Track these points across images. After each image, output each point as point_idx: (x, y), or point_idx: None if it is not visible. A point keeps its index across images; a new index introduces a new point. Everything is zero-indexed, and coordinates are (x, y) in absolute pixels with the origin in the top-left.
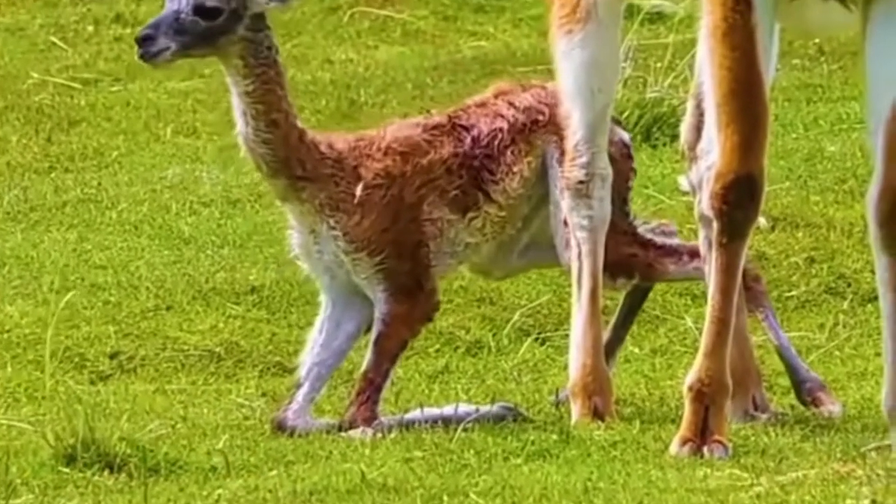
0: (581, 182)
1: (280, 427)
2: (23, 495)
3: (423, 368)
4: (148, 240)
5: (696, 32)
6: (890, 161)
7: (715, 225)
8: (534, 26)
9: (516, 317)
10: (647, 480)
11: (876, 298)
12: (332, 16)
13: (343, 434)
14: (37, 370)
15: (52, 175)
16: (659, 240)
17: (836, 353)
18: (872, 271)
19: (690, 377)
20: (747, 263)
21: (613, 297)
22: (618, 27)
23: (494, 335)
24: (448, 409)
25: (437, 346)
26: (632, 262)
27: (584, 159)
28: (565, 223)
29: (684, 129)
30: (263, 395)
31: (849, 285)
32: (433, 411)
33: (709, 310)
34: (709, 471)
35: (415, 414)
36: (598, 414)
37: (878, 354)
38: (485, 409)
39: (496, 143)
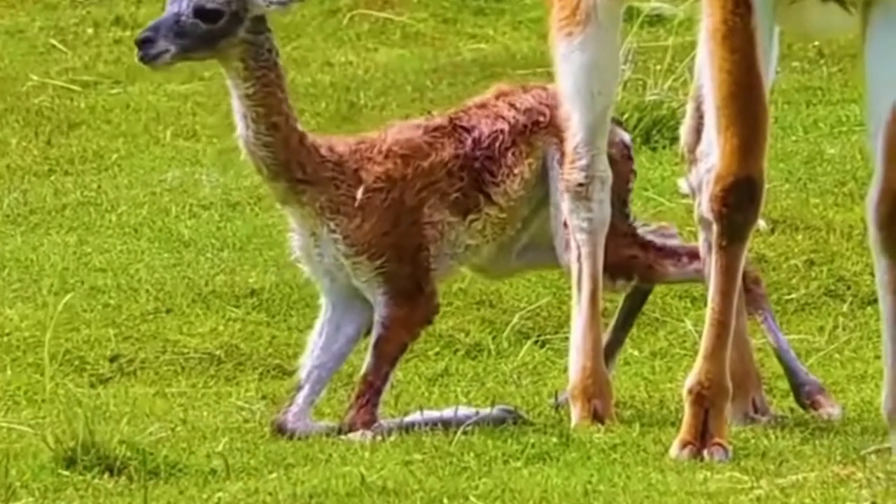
0: (580, 184)
1: (280, 430)
2: (23, 498)
3: (422, 371)
4: (148, 242)
5: (696, 35)
6: (890, 163)
7: (714, 227)
8: (533, 29)
9: (516, 319)
10: (647, 483)
11: (875, 301)
12: (331, 18)
13: (343, 437)
14: (36, 373)
15: (52, 178)
16: (659, 241)
17: (836, 355)
18: (872, 274)
19: (690, 380)
20: (747, 266)
21: (613, 299)
22: (617, 30)
23: (494, 338)
24: (448, 412)
25: (437, 349)
26: (632, 263)
27: (583, 162)
28: (565, 225)
29: (684, 131)
30: (263, 397)
31: (848, 288)
32: (433, 414)
33: (708, 312)
34: (709, 474)
35: (414, 417)
36: (597, 417)
37: (877, 357)
38: (484, 411)
39: (497, 144)
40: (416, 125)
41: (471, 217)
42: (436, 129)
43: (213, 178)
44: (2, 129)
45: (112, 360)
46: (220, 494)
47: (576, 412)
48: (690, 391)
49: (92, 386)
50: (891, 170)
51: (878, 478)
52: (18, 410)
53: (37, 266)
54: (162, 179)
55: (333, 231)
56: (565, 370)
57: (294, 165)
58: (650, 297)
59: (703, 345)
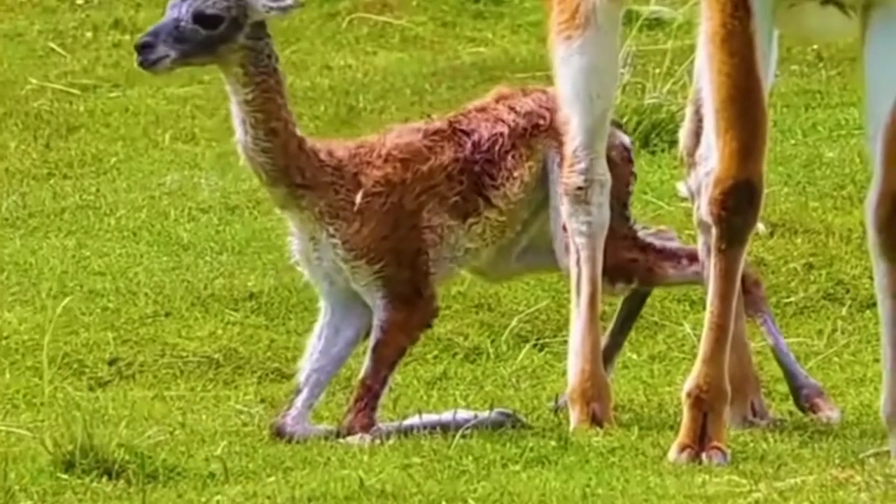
0: (579, 188)
1: (278, 433)
2: (21, 501)
3: (421, 375)
4: (146, 246)
5: (695, 38)
6: (889, 167)
7: (714, 231)
8: (533, 32)
9: (514, 323)
10: (646, 487)
11: (874, 304)
12: (330, 22)
13: (341, 440)
14: (35, 376)
15: (51, 181)
16: (658, 243)
17: (835, 359)
18: (871, 277)
19: (689, 383)
20: (747, 268)
21: (612, 302)
22: (616, 33)
23: (493, 341)
24: (446, 416)
25: (436, 353)
26: (631, 266)
27: (582, 165)
28: (564, 228)
29: (683, 134)
30: (262, 401)
31: (847, 291)
32: (431, 417)
33: (707, 316)
34: (707, 477)
35: (413, 420)
36: (596, 420)
37: (876, 360)
38: (483, 415)
39: (497, 147)
40: (415, 129)
41: (470, 220)
42: (435, 132)
43: (211, 182)
44: (1, 133)
45: (111, 363)
46: (218, 498)
47: (574, 416)
48: (689, 395)
49: (91, 389)
50: (890, 173)
51: (876, 481)
52: (17, 414)
53: (35, 269)
54: (161, 183)
55: (332, 235)
56: (564, 374)
57: (293, 170)
58: (649, 301)
59: (702, 348)
